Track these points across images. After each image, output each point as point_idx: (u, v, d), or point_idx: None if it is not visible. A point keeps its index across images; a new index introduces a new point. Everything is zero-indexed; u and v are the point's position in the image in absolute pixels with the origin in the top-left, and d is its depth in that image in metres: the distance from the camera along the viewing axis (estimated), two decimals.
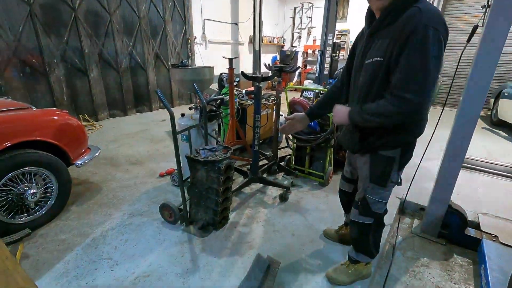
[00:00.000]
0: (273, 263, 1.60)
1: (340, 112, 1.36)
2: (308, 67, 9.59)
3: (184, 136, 2.52)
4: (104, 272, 1.78)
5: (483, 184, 3.16)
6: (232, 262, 1.89)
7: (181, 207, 2.24)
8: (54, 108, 2.70)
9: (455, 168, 2.10)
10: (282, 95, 2.95)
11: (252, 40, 8.88)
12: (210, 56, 7.75)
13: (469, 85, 1.92)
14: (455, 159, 2.09)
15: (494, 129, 5.70)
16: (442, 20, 1.11)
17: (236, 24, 8.51)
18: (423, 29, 1.06)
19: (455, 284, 1.89)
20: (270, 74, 2.69)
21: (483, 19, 1.91)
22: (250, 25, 8.60)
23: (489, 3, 1.86)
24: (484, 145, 4.58)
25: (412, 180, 2.41)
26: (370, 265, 1.81)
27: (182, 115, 2.65)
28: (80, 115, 5.28)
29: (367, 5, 1.42)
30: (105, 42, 5.44)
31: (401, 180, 1.53)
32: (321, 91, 3.29)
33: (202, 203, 2.16)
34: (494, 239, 2.16)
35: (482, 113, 7.06)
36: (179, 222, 2.27)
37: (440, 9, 7.50)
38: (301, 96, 3.41)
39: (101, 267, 1.83)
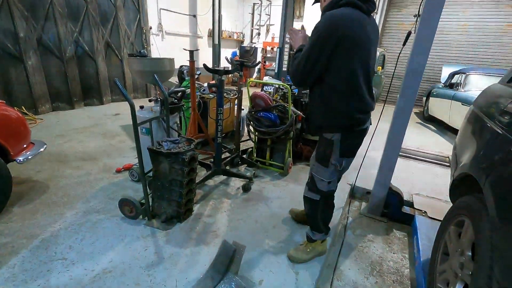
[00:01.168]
0: (239, 247, 1.68)
1: (298, 38, 1.65)
2: (267, 63, 9.81)
3: (144, 129, 2.44)
4: (59, 272, 1.67)
5: (417, 170, 3.68)
6: (198, 251, 1.93)
7: (143, 201, 2.18)
8: None
9: (393, 156, 2.43)
10: (244, 89, 3.03)
11: (211, 34, 8.76)
12: (167, 48, 7.44)
13: (404, 85, 2.23)
14: (393, 148, 2.41)
15: (425, 124, 6.60)
16: (328, 23, 1.38)
17: (195, 16, 8.29)
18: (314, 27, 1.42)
19: (394, 254, 2.20)
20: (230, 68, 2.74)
21: (415, 26, 2.23)
22: (209, 18, 8.47)
23: (419, 13, 2.18)
24: (417, 137, 5.29)
25: (360, 168, 2.70)
26: (326, 243, 2.02)
27: (141, 107, 2.55)
28: (16, 108, 4.65)
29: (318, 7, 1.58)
30: (45, 26, 4.87)
31: (344, 167, 1.71)
32: (281, 86, 3.45)
33: (166, 195, 2.14)
34: (423, 215, 2.55)
35: (416, 110, 8.09)
36: (140, 217, 2.21)
37: (382, 17, 8.32)
38: (261, 90, 3.53)
39: (55, 268, 1.70)
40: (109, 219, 2.20)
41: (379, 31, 1.71)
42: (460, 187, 1.73)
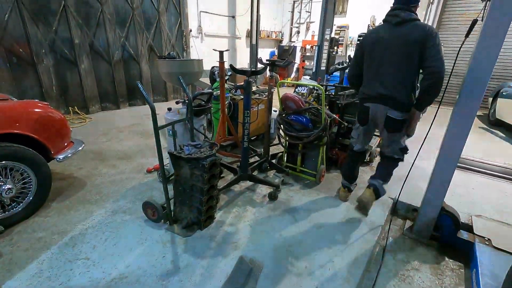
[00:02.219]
0: (256, 266, 1.53)
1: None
2: (306, 62, 9.45)
3: (170, 132, 2.42)
4: (80, 273, 1.70)
5: (478, 185, 3.10)
6: (214, 264, 1.82)
7: (165, 205, 2.15)
8: (36, 100, 2.59)
9: (449, 169, 2.03)
10: (274, 90, 2.85)
11: (249, 34, 8.73)
12: (206, 49, 7.60)
13: (466, 82, 1.83)
14: (449, 160, 2.01)
15: (491, 129, 5.64)
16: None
17: (233, 17, 8.34)
18: None
19: None
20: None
21: (483, 13, 1.81)
22: (248, 18, 8.45)
23: None
24: (480, 144, 4.52)
25: (405, 181, 2.34)
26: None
27: (169, 109, 2.55)
28: (70, 107, 5.16)
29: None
30: (96, 33, 5.29)
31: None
32: (315, 87, 3.19)
33: (187, 201, 2.08)
34: (487, 243, 2.09)
35: (479, 112, 6.99)
36: (162, 220, 2.19)
37: (439, 8, 7.39)
38: (294, 91, 3.32)
39: (77, 267, 1.74)
40: (134, 221, 2.22)
41: (422, 30, 1.94)
42: None
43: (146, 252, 1.89)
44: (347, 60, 3.63)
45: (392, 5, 2.06)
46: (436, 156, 2.09)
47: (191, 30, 7.12)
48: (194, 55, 7.29)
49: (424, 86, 1.95)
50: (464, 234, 2.18)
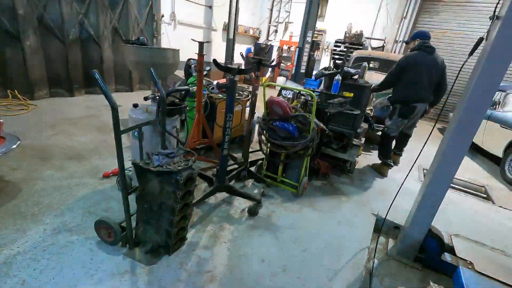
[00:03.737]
0: None
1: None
2: (282, 63, 9.30)
3: (135, 133, 2.00)
4: None
5: (450, 201, 3.15)
6: None
7: (125, 224, 1.75)
8: None
9: (441, 191, 1.94)
10: (259, 91, 2.57)
11: (226, 27, 8.29)
12: (179, 38, 7.01)
13: (467, 105, 1.73)
14: (442, 184, 1.92)
15: None
16: (404, 57, 3.28)
17: (211, 7, 7.83)
18: None
19: None
20: (243, 65, 2.29)
21: (488, 32, 1.73)
22: (225, 11, 8.00)
23: (496, 14, 1.68)
24: None
25: (393, 201, 2.22)
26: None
27: (135, 105, 2.12)
28: (9, 90, 4.30)
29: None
30: (47, 5, 4.48)
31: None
32: (301, 92, 2.97)
33: (153, 221, 1.70)
34: (470, 267, 2.06)
35: (439, 125, 7.48)
36: (120, 243, 1.78)
37: (410, 24, 7.75)
38: (278, 95, 3.08)
39: None
40: (82, 243, 1.78)
41: (441, 60, 3.23)
42: None
43: None
44: (332, 66, 3.49)
45: (422, 39, 3.21)
46: (426, 177, 1.99)
47: (163, 16, 6.49)
48: (165, 43, 6.67)
49: (438, 96, 3.38)
50: (447, 257, 2.13)
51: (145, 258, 1.72)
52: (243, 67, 2.09)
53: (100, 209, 2.12)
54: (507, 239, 2.55)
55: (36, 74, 4.54)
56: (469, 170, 4.37)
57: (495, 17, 1.68)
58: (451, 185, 3.63)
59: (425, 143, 2.03)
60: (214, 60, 1.90)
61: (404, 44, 2.85)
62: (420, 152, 2.12)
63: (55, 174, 2.52)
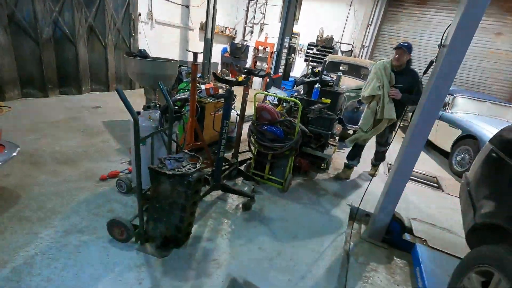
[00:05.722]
0: None
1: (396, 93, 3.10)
2: (258, 64, 9.59)
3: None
4: None
5: (407, 190, 3.69)
6: (200, 286, 1.73)
7: (135, 222, 1.93)
8: None
9: (403, 182, 2.38)
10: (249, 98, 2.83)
11: (203, 27, 8.35)
12: (156, 37, 6.97)
13: (422, 111, 2.16)
14: (403, 173, 2.36)
15: None
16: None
17: (187, 7, 7.85)
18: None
19: (398, 286, 2.15)
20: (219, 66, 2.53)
21: (437, 56, 2.17)
22: (202, 10, 8.05)
23: (443, 43, 2.11)
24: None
25: (365, 191, 2.63)
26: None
27: (138, 113, 2.26)
28: None
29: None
30: (18, 2, 4.28)
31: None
32: (283, 100, 3.29)
33: (164, 218, 1.91)
34: (424, 243, 2.55)
35: (401, 124, 8.34)
36: (132, 239, 1.95)
37: (375, 30, 8.46)
38: (263, 101, 3.36)
39: None
40: (95, 242, 1.92)
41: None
42: (481, 232, 1.70)
43: (119, 280, 1.67)
44: (310, 73, 3.85)
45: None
46: (391, 171, 2.42)
47: (140, 15, 6.41)
48: (142, 42, 6.60)
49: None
50: (407, 237, 2.60)
51: (157, 252, 1.92)
52: (221, 69, 2.33)
53: (104, 210, 2.25)
54: (453, 220, 3.11)
55: (6, 74, 4.33)
56: (424, 163, 5.06)
57: (442, 45, 2.12)
58: (410, 177, 4.24)
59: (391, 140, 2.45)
60: (214, 73, 2.13)
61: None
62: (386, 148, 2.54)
63: (50, 179, 2.57)
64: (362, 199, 2.65)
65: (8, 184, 2.40)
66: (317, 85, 3.15)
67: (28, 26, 4.45)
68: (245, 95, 2.78)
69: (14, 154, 2.12)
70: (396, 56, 3.06)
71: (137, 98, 5.43)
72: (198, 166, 1.88)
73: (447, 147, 5.04)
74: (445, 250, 2.44)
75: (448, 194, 3.86)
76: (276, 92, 3.52)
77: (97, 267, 1.73)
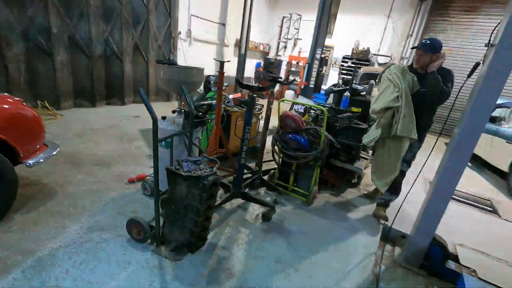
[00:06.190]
0: None
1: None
2: (295, 80, 9.60)
3: (163, 142, 2.23)
4: None
5: (455, 213, 3.25)
6: None
7: (153, 223, 1.95)
8: (6, 94, 2.26)
9: (443, 202, 2.08)
10: (274, 106, 2.79)
11: (238, 43, 8.70)
12: (193, 54, 7.41)
13: (465, 124, 1.90)
14: (444, 192, 2.07)
15: None
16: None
17: (224, 25, 8.27)
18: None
19: None
20: (253, 80, 2.52)
21: (484, 57, 1.92)
22: (237, 27, 8.43)
23: (491, 42, 1.87)
24: None
25: (399, 209, 2.36)
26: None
27: (163, 118, 2.36)
28: (38, 101, 4.66)
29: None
30: (78, 24, 4.90)
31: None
32: (311, 108, 3.19)
33: (179, 221, 1.90)
34: (473, 274, 2.16)
35: (446, 140, 7.55)
36: (149, 240, 1.97)
37: (418, 40, 7.98)
38: (290, 109, 3.29)
39: None
40: (114, 240, 1.98)
41: None
42: None
43: (131, 279, 1.67)
44: (341, 83, 3.70)
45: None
46: (424, 186, 2.14)
47: (180, 33, 6.91)
48: (180, 58, 7.06)
49: None
50: (452, 265, 2.24)
51: (171, 256, 1.90)
52: (254, 82, 2.33)
53: (128, 210, 2.33)
54: (510, 250, 2.63)
55: (64, 86, 4.91)
56: (476, 184, 4.45)
57: (490, 45, 1.88)
58: (458, 198, 3.74)
59: (429, 155, 2.19)
60: (237, 80, 2.14)
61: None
62: (424, 164, 2.27)
63: (85, 179, 2.76)
64: (395, 217, 2.37)
65: (50, 181, 2.63)
66: (346, 93, 3.00)
67: (84, 45, 5.05)
68: (269, 103, 2.75)
69: (54, 152, 2.32)
70: (415, 57, 2.54)
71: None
72: (215, 170, 1.86)
73: (505, 167, 4.40)
74: (500, 285, 2.04)
75: (505, 220, 3.31)
76: (303, 101, 3.43)
77: (112, 264, 1.76)
